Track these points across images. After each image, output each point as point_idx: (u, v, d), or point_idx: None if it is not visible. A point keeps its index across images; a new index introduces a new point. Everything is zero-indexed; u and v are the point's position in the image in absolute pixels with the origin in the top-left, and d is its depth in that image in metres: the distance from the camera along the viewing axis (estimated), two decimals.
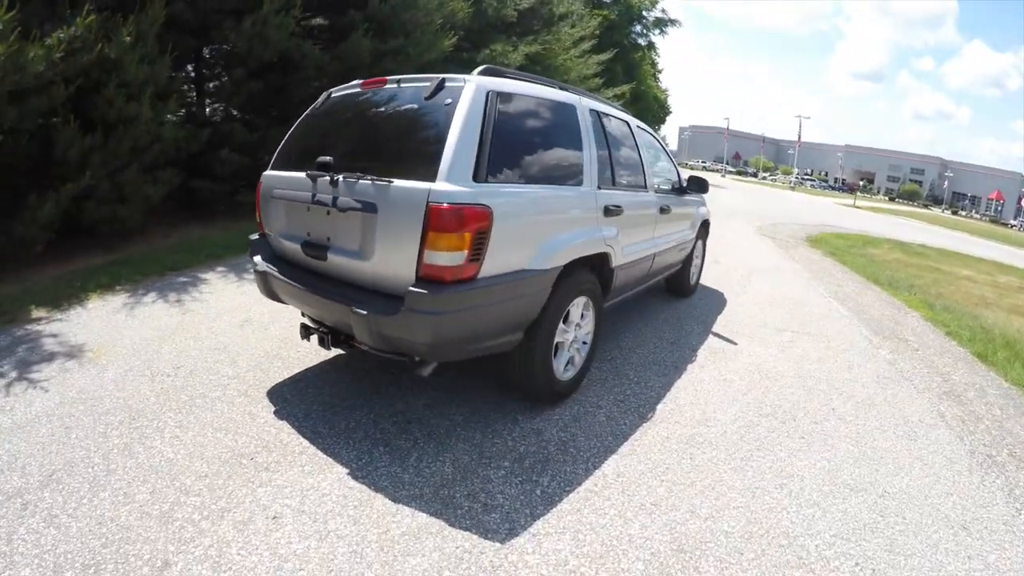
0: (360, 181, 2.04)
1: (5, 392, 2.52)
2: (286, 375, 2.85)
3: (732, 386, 3.10)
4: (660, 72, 34.61)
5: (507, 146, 2.13)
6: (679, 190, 4.13)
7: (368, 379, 2.81)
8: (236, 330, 3.40)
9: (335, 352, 3.09)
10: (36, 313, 3.41)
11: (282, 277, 2.39)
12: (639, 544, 1.81)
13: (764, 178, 61.23)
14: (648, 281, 3.71)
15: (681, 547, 1.81)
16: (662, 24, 30.56)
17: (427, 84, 2.14)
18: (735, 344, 3.83)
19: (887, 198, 59.77)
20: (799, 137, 51.84)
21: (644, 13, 29.36)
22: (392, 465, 2.12)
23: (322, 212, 2.21)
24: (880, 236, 12.60)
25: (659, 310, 4.48)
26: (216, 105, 7.28)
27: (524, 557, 1.69)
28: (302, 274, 2.39)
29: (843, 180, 67.55)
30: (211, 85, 6.75)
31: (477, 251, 1.90)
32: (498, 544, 1.74)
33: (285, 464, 2.10)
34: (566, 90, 2.81)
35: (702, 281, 5.51)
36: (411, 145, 2.08)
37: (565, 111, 2.59)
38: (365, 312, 1.94)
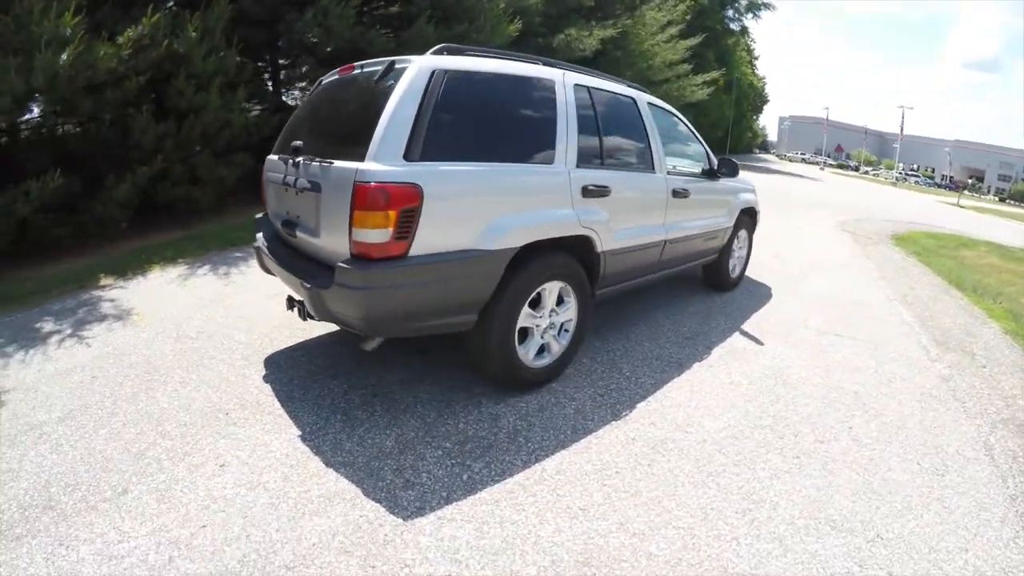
0: (311, 163, 2.24)
1: (57, 345, 3.12)
2: (289, 344, 3.20)
3: (736, 390, 2.91)
4: (756, 59, 32.98)
5: (454, 124, 2.19)
6: (709, 173, 3.88)
7: (356, 353, 3.05)
8: (263, 301, 3.84)
9: (336, 326, 3.38)
10: (104, 281, 4.13)
11: (267, 252, 2.69)
12: (543, 548, 1.77)
13: (866, 172, 58.06)
14: (661, 271, 3.56)
15: (588, 560, 1.73)
16: (755, 8, 29.38)
17: (379, 68, 2.28)
18: (761, 344, 3.55)
19: (996, 198, 52.50)
20: (901, 129, 49.36)
21: None
22: (340, 433, 2.32)
23: (292, 192, 2.45)
24: (978, 238, 10.66)
25: (688, 303, 4.27)
26: (294, 92, 8.06)
27: (418, 538, 1.78)
28: (283, 250, 2.67)
29: (950, 177, 60.18)
30: (283, 74, 7.48)
31: (405, 229, 2.00)
32: (400, 520, 1.84)
33: (252, 421, 2.39)
34: (553, 66, 2.79)
35: (752, 276, 5.13)
36: (354, 127, 2.23)
37: (538, 87, 2.58)
38: (309, 285, 2.14)
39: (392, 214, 1.95)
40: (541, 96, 2.58)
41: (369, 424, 2.38)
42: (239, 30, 5.73)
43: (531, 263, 2.43)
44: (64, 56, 3.68)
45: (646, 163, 3.26)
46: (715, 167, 4.00)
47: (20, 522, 1.82)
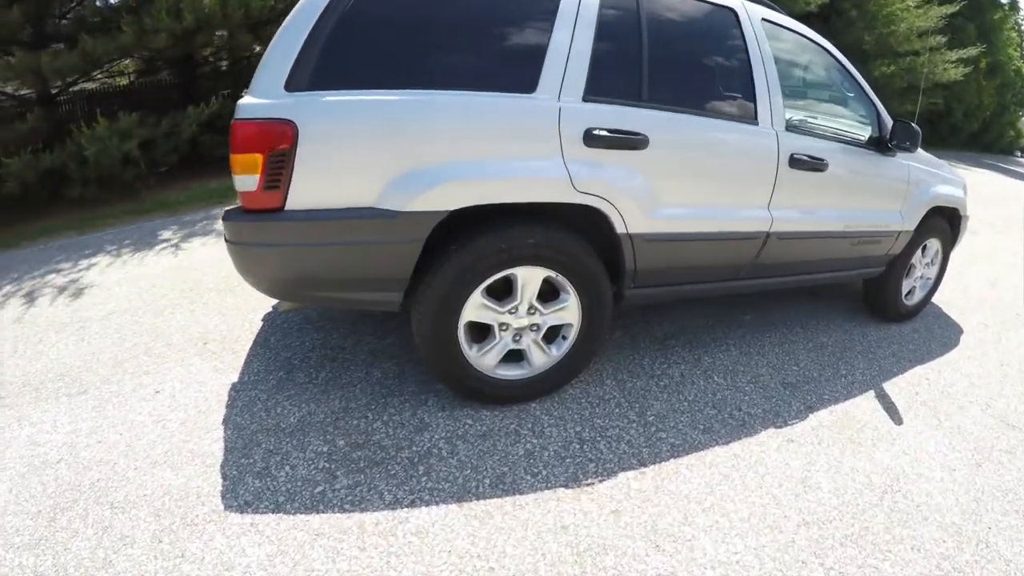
0: None
1: (156, 252, 3.92)
2: None
3: (798, 503, 1.89)
4: None
5: (365, 40, 1.79)
6: (876, 143, 2.64)
7: (355, 313, 2.99)
8: None
9: None
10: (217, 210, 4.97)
11: None
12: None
13: None
14: (759, 277, 2.54)
15: None
16: None
17: None
18: (897, 423, 2.30)
19: None
20: None
21: None
22: (265, 392, 2.29)
23: None
24: None
25: (822, 326, 3.06)
26: None
27: (216, 535, 1.64)
28: None
29: None
30: None
31: (275, 177, 1.74)
32: (219, 508, 1.74)
33: (215, 356, 2.56)
34: None
35: (941, 306, 3.56)
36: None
37: None
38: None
39: (258, 158, 1.71)
40: None
41: (296, 390, 2.31)
42: None
43: (477, 238, 1.93)
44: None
45: (740, 107, 2.28)
46: (886, 136, 2.64)
47: (3, 396, 2.29)
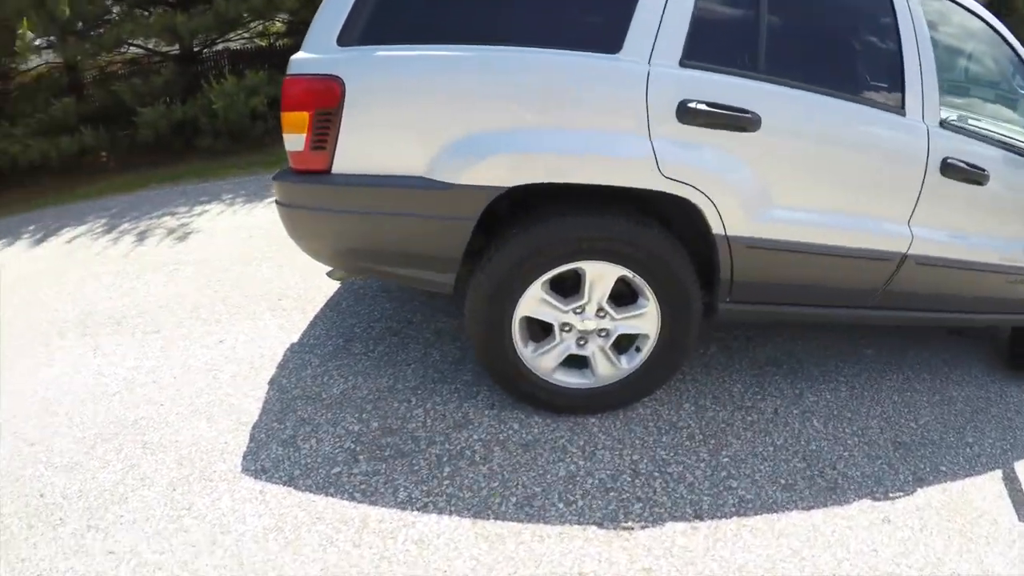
0: None
1: (265, 206, 4.05)
2: None
3: None
4: None
5: None
6: None
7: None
8: None
9: None
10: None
11: None
12: None
13: None
14: (885, 309, 2.09)
15: None
16: None
17: None
18: (1012, 521, 1.70)
19: None
20: None
21: None
22: (318, 358, 2.25)
23: None
24: None
25: (957, 380, 2.43)
26: None
27: (209, 510, 1.61)
28: None
29: None
30: None
31: (321, 136, 1.61)
32: (228, 473, 1.71)
33: (285, 314, 2.59)
34: None
35: None
36: None
37: None
38: None
39: (305, 116, 1.60)
40: None
41: (349, 360, 2.25)
42: None
43: (541, 222, 1.70)
44: None
45: (883, 92, 1.81)
46: None
47: (88, 326, 2.49)
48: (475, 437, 1.88)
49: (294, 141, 1.67)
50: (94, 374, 2.15)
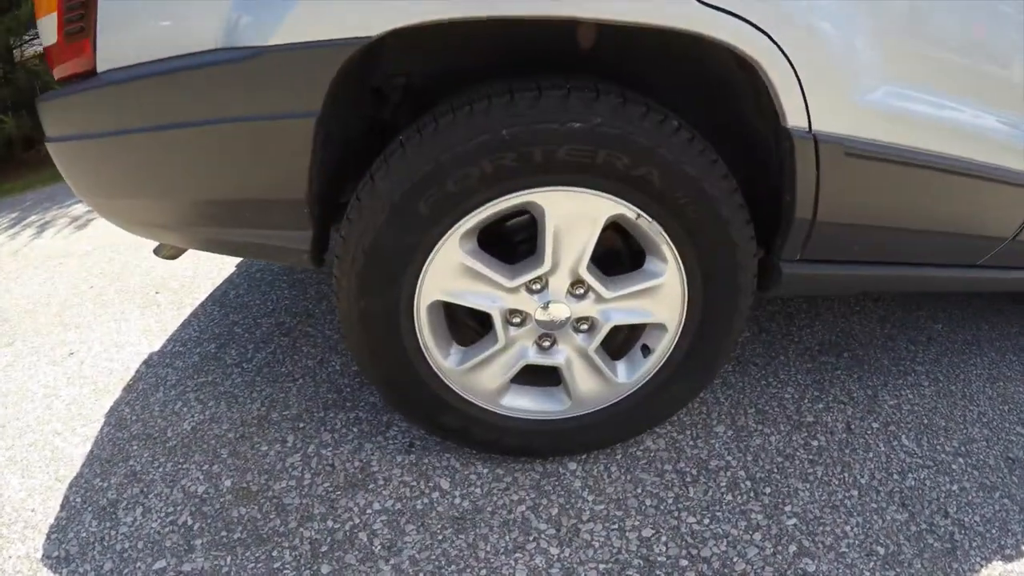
0: None
1: None
2: None
3: None
4: None
5: None
6: None
7: None
8: None
9: None
10: None
11: None
12: None
13: None
14: (998, 269, 1.39)
15: None
16: None
17: None
18: None
19: None
20: None
21: None
22: (191, 369, 1.63)
23: None
24: None
25: None
26: None
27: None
28: None
29: None
30: None
31: (76, 11, 0.95)
32: (53, 544, 1.06)
33: (154, 310, 2.02)
34: None
35: None
36: None
37: None
38: None
39: None
40: None
41: (215, 376, 1.61)
42: None
43: (453, 115, 0.93)
44: None
45: None
46: None
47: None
48: (376, 506, 1.18)
49: (45, 30, 1.04)
50: None
